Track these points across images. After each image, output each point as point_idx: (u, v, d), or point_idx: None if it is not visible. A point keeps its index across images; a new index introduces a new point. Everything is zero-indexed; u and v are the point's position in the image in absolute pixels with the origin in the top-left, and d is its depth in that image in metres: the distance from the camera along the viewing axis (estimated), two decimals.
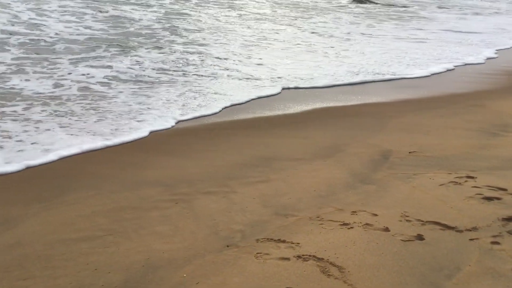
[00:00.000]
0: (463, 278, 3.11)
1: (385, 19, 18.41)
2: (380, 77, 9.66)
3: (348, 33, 14.87)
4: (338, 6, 21.63)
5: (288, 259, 3.26)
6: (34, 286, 3.03)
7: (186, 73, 9.02)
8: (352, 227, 3.70)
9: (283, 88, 8.44)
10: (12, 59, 9.02)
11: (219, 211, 4.01)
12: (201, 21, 14.85)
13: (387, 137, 6.04)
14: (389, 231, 3.65)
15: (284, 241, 3.49)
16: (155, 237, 3.61)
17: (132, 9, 15.33)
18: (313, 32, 14.45)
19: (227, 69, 9.50)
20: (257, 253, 3.34)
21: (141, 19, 13.90)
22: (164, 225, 3.78)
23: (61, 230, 3.73)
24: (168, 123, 6.42)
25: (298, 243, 3.46)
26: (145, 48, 10.66)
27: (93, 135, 5.85)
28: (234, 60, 10.25)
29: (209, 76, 8.92)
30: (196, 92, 7.84)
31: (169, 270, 3.17)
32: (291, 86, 8.64)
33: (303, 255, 3.30)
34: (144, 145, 5.78)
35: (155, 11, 15.39)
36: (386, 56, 11.58)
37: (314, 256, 3.30)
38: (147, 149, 5.66)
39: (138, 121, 6.41)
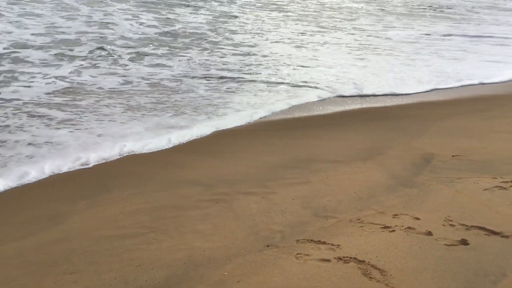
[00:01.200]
0: (509, 284, 3.02)
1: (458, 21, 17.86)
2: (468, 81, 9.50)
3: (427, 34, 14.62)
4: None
5: (328, 260, 3.25)
6: (80, 280, 3.12)
7: (237, 77, 8.99)
8: (393, 230, 3.65)
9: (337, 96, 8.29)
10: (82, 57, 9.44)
11: (259, 212, 4.03)
12: (251, 22, 14.89)
13: (429, 140, 5.93)
14: (432, 235, 3.58)
15: (324, 243, 3.47)
16: (196, 235, 3.66)
17: (185, 11, 15.55)
18: (369, 36, 14.15)
19: (278, 72, 9.51)
20: (297, 253, 3.34)
21: (192, 22, 14.08)
22: (205, 224, 3.83)
23: (105, 226, 3.83)
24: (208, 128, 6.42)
25: (339, 245, 3.44)
26: (197, 49, 10.87)
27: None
28: (288, 64, 10.20)
29: (257, 81, 8.89)
30: (241, 95, 7.89)
31: (210, 268, 3.20)
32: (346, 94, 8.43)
33: (344, 257, 3.28)
34: (183, 146, 5.87)
35: (204, 13, 15.57)
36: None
37: (355, 258, 3.27)
38: (186, 149, 5.74)
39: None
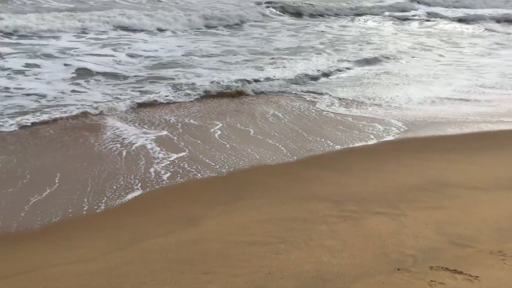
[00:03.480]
0: None
1: None
2: None
3: None
4: None
5: None
6: (214, 280, 3.31)
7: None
8: None
9: None
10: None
11: (389, 233, 3.93)
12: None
13: None
14: None
15: (461, 273, 3.28)
16: (324, 250, 3.67)
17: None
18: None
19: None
20: (431, 280, 3.19)
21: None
22: (333, 240, 3.83)
23: (237, 232, 4.01)
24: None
25: (477, 277, 3.22)
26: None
27: None
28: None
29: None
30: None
31: (338, 284, 3.20)
32: None
33: None
34: (311, 161, 5.92)
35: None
36: None
37: None
38: (314, 164, 5.79)
39: None
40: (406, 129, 7.04)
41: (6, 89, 7.96)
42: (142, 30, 14.10)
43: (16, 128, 6.39)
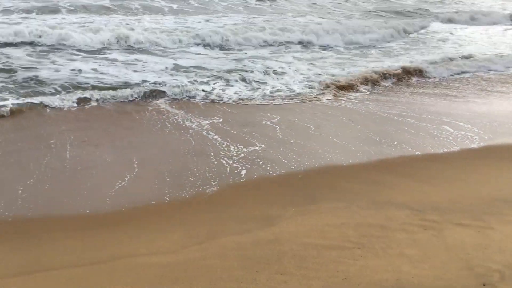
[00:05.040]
0: None
1: None
2: None
3: None
4: None
5: None
6: (290, 281, 3.30)
7: None
8: None
9: None
10: None
11: (473, 246, 3.74)
12: None
13: None
14: None
15: None
16: (404, 259, 3.56)
17: None
18: None
19: None
20: None
21: None
22: (413, 249, 3.70)
23: (313, 235, 3.98)
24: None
25: None
26: None
27: None
28: None
29: None
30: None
31: None
32: None
33: None
34: (390, 166, 5.76)
35: None
36: None
37: None
38: (390, 170, 5.63)
39: None
40: (491, 137, 6.68)
41: None
42: None
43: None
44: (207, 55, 11.15)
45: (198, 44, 11.72)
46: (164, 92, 8.09)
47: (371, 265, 3.48)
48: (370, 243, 3.81)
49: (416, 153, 6.10)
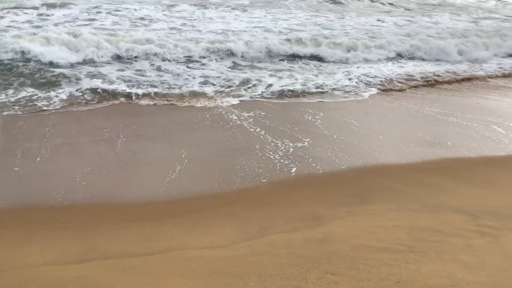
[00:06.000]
0: None
1: None
2: None
3: None
4: None
5: None
6: (341, 282, 3.27)
7: None
8: None
9: None
10: None
11: None
12: None
13: None
14: None
15: None
16: (459, 265, 3.45)
17: None
18: None
19: None
20: None
21: None
22: (469, 255, 3.59)
23: (363, 236, 3.93)
24: None
25: None
26: None
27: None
28: None
29: None
30: None
31: None
32: None
33: None
34: (443, 168, 5.60)
35: None
36: None
37: None
38: (445, 172, 5.47)
39: None
40: None
41: None
42: None
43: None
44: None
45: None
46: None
47: (424, 269, 3.40)
48: (424, 247, 3.72)
49: (471, 155, 5.90)
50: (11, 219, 4.27)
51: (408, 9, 18.22)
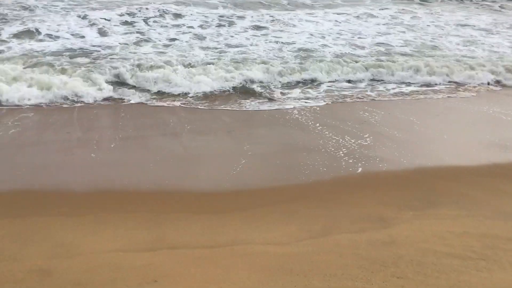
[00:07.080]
0: None
1: None
2: None
3: None
4: None
5: None
6: (407, 286, 3.20)
7: None
8: None
9: None
10: None
11: None
12: None
13: None
14: None
15: None
16: None
17: None
18: None
19: None
20: None
21: None
22: None
23: (431, 241, 3.82)
24: None
25: None
26: None
27: None
28: None
29: None
30: None
31: None
32: None
33: None
34: None
35: None
36: None
37: None
38: None
39: None
40: None
41: None
42: None
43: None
44: None
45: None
46: None
47: (496, 278, 3.26)
48: (496, 256, 3.57)
49: None
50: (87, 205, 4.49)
51: None
